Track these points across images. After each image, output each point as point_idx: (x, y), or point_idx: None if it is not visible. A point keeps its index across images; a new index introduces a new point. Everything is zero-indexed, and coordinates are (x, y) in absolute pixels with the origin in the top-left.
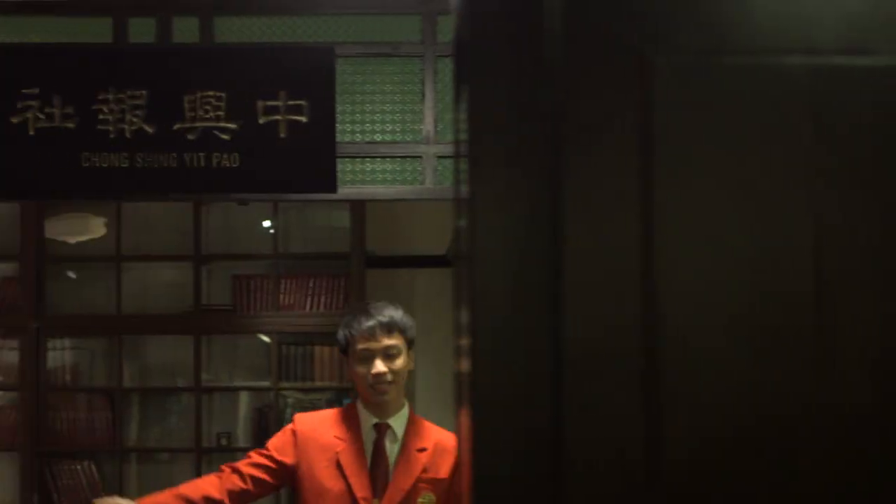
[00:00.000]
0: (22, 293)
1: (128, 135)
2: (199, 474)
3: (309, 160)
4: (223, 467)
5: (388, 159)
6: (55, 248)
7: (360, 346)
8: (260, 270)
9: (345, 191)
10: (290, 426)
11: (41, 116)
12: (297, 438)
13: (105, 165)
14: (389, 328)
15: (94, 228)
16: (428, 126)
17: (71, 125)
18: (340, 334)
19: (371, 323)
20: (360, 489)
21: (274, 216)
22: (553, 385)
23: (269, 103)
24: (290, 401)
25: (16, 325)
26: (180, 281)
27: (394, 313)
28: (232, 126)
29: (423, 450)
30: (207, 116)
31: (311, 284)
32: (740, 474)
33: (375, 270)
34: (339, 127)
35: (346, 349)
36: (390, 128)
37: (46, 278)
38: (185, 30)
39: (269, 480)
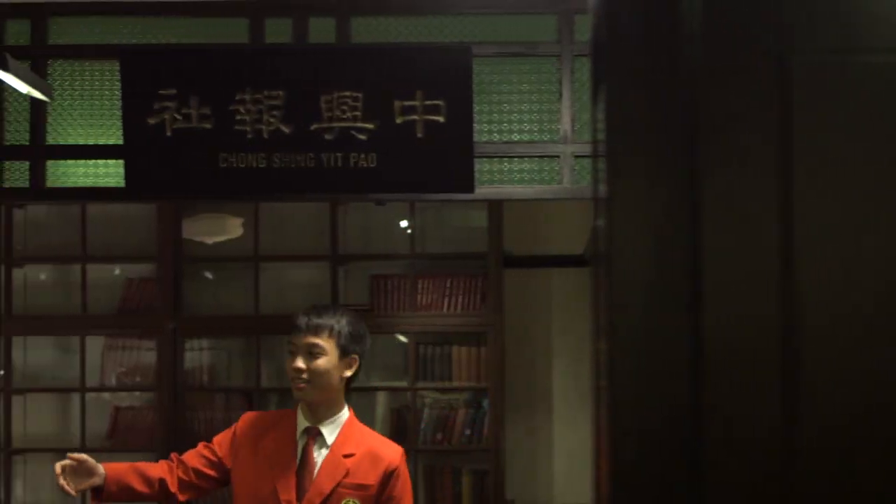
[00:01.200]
0: (159, 294)
1: (265, 135)
2: None
3: (446, 160)
4: (172, 456)
5: (525, 159)
6: (192, 249)
7: (291, 339)
8: (397, 270)
9: (482, 191)
10: (235, 424)
11: (178, 117)
12: (235, 438)
13: (242, 166)
14: (318, 328)
15: (231, 229)
16: (565, 125)
17: (208, 126)
18: None
19: (302, 320)
20: (284, 492)
21: (411, 216)
22: (691, 384)
23: (406, 103)
24: (427, 401)
25: (153, 325)
26: (317, 281)
27: (332, 317)
28: (369, 126)
29: (349, 455)
30: (345, 116)
31: (448, 284)
32: (872, 461)
33: (512, 270)
34: (476, 127)
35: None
36: (527, 127)
37: (184, 279)
38: (322, 30)
39: (212, 474)
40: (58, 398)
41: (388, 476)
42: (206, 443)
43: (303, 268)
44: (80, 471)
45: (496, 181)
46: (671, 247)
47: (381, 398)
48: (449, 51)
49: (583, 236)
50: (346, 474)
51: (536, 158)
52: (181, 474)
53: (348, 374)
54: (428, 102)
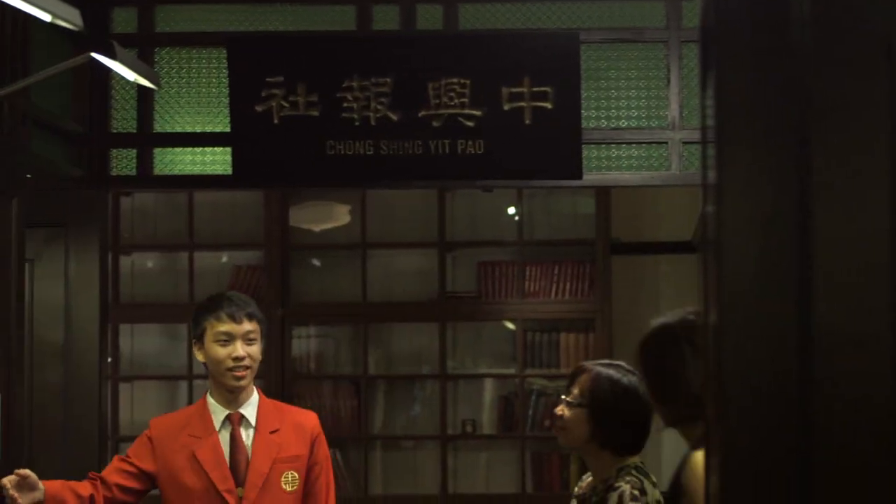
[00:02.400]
0: (267, 281)
1: (372, 122)
2: (444, 462)
3: (554, 147)
4: (91, 475)
5: (633, 145)
6: (300, 237)
7: (222, 328)
8: (505, 257)
9: (590, 177)
10: (145, 432)
11: (286, 105)
12: (153, 444)
13: (350, 153)
14: (251, 315)
15: (338, 216)
16: (673, 112)
17: (315, 113)
18: (196, 319)
19: (233, 307)
20: (222, 482)
21: (519, 203)
22: (800, 371)
23: (514, 90)
24: (535, 388)
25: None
26: (425, 268)
27: (251, 302)
28: (476, 113)
29: (275, 431)
30: (452, 103)
31: (556, 271)
32: None
33: (620, 257)
34: (583, 113)
35: (201, 334)
36: (635, 114)
37: (291, 266)
38: (429, 17)
39: (135, 486)
40: (165, 386)
41: (314, 442)
42: (120, 456)
43: (410, 255)
44: (23, 485)
45: (604, 168)
46: (780, 233)
47: (489, 385)
48: (556, 37)
49: (691, 222)
50: (279, 449)
51: (644, 145)
52: (105, 492)
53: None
54: (535, 89)
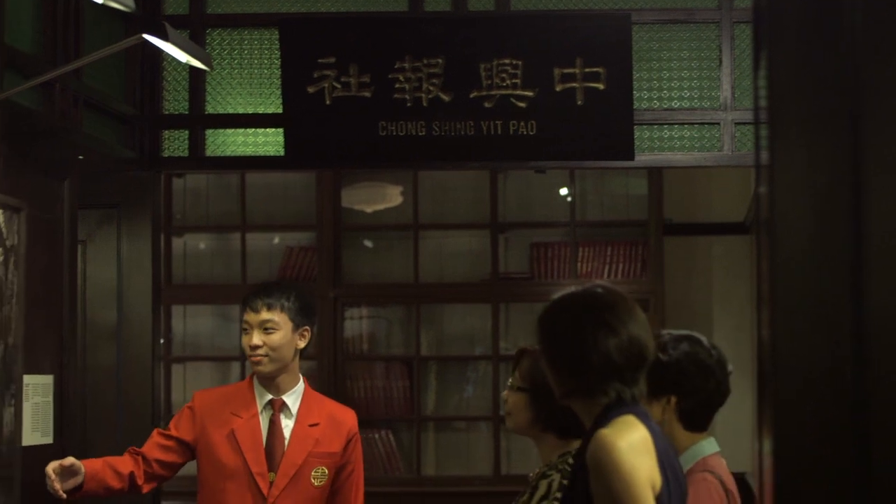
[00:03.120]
0: (319, 262)
1: (424, 103)
2: (497, 443)
3: (606, 128)
4: (131, 450)
5: (685, 126)
6: (352, 217)
7: (245, 317)
8: (557, 238)
9: (642, 158)
10: (188, 404)
11: (338, 86)
12: (195, 415)
13: (402, 134)
14: (270, 305)
15: (390, 197)
16: (725, 92)
17: (367, 94)
18: None
19: (255, 297)
20: (256, 464)
21: (571, 184)
22: (855, 351)
23: (566, 70)
24: None
25: (313, 294)
26: (477, 249)
27: (282, 293)
28: (528, 94)
29: (315, 424)
30: (504, 84)
31: (608, 252)
32: None
33: (673, 238)
34: (635, 94)
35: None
36: (687, 94)
37: (343, 247)
38: None
39: (174, 459)
40: (217, 367)
41: (349, 441)
42: (160, 430)
43: (462, 236)
44: (66, 472)
45: (656, 148)
46: (833, 213)
47: None
48: (608, 18)
49: (744, 203)
50: (316, 443)
51: (696, 125)
52: (145, 467)
53: (302, 345)
54: (587, 70)
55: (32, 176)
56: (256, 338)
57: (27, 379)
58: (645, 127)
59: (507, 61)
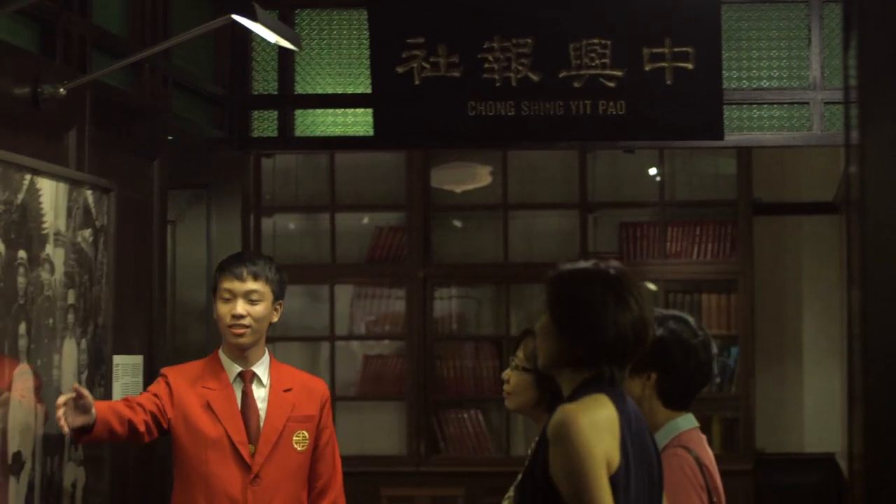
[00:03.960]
0: (408, 242)
1: (513, 83)
2: None
3: (695, 107)
4: (129, 398)
5: (774, 106)
6: (441, 197)
7: (225, 285)
8: (646, 218)
9: (731, 137)
10: (161, 378)
11: (426, 66)
12: (170, 388)
13: (491, 114)
14: (256, 274)
15: (479, 177)
16: (814, 72)
17: (456, 74)
18: (214, 275)
19: (239, 265)
20: (236, 433)
21: (660, 163)
22: None
23: (655, 50)
24: None
25: (402, 274)
26: (567, 229)
27: (264, 263)
28: (617, 73)
29: (288, 390)
30: (593, 64)
31: (697, 232)
32: None
33: (762, 217)
34: (724, 74)
35: (214, 289)
36: (776, 74)
37: (432, 227)
38: None
39: (160, 422)
40: (307, 347)
41: (323, 406)
42: (150, 392)
43: (552, 216)
44: (77, 406)
45: (745, 128)
46: None
47: None
48: None
49: (833, 183)
50: (293, 408)
51: (786, 105)
52: (143, 416)
53: (275, 319)
54: (677, 49)
55: (122, 156)
56: (241, 307)
57: (117, 359)
58: (734, 106)
59: (596, 41)
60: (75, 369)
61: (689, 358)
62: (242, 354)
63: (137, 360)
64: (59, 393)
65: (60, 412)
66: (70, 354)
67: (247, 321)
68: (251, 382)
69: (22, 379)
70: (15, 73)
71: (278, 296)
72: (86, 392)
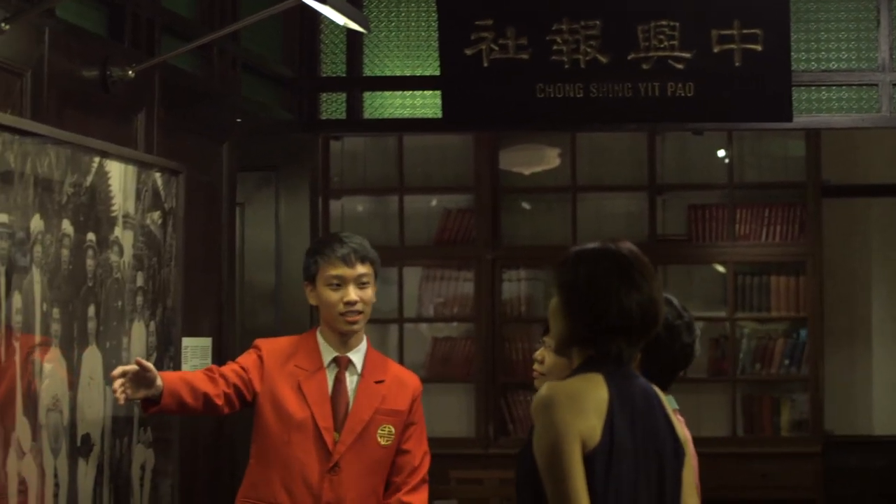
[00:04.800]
0: (477, 224)
1: (582, 65)
2: None
3: (764, 89)
4: (213, 368)
5: (843, 87)
6: (510, 180)
7: (333, 272)
8: (715, 200)
9: (800, 119)
10: (254, 350)
11: (495, 48)
12: (262, 363)
13: (559, 96)
14: (364, 258)
15: (548, 159)
16: (883, 53)
17: (525, 56)
18: (308, 261)
19: (346, 250)
20: (323, 419)
21: (729, 145)
22: None
23: (724, 32)
24: (745, 331)
25: (471, 256)
26: (635, 211)
27: (364, 243)
28: (686, 55)
29: (380, 381)
30: (661, 46)
31: (766, 214)
32: None
33: (831, 200)
34: (793, 55)
35: (313, 275)
36: (845, 55)
37: (501, 209)
38: None
39: (244, 395)
40: (376, 329)
41: (414, 401)
42: (237, 363)
43: (620, 198)
44: (140, 379)
45: (814, 110)
46: None
47: (699, 328)
48: None
49: None
50: (382, 400)
51: (854, 87)
52: (224, 388)
53: (375, 298)
54: (745, 31)
55: (191, 139)
56: (353, 293)
57: (186, 342)
58: (803, 88)
59: (664, 23)
60: (144, 352)
61: (673, 339)
62: (342, 340)
63: (206, 342)
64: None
65: (118, 384)
66: (139, 337)
67: (359, 307)
68: (345, 369)
69: (90, 361)
70: (84, 57)
71: (379, 276)
72: (148, 364)
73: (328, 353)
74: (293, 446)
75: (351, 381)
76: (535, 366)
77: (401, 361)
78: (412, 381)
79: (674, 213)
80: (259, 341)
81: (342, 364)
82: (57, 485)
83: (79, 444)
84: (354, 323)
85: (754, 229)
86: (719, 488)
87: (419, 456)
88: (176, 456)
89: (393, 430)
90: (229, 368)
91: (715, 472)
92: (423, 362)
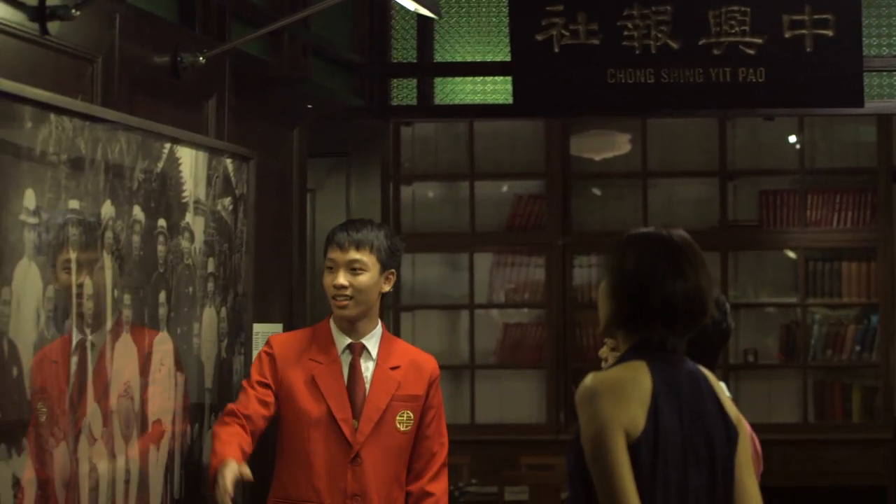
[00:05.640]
0: (548, 210)
1: (653, 50)
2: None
3: (835, 74)
4: (235, 410)
5: None
6: (580, 165)
7: (329, 255)
8: (786, 186)
9: (871, 105)
10: (264, 350)
11: (566, 33)
12: (274, 361)
13: (630, 81)
14: (359, 243)
15: (619, 145)
16: None
17: (596, 42)
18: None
19: (342, 235)
20: (339, 410)
21: (800, 131)
22: None
23: (795, 17)
24: (817, 317)
25: (542, 242)
26: (706, 197)
27: (370, 232)
28: (757, 41)
29: (396, 367)
30: (733, 31)
31: (837, 199)
32: None
33: None
34: (864, 41)
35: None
36: None
37: (572, 195)
38: None
39: (271, 410)
40: (446, 315)
41: (431, 385)
42: (249, 382)
43: (691, 183)
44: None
45: (885, 95)
46: None
47: (770, 314)
48: None
49: None
50: (398, 386)
51: None
52: (251, 428)
53: (386, 288)
54: (817, 16)
55: (261, 125)
56: (342, 277)
57: (257, 327)
58: (874, 73)
59: (735, 8)
60: (215, 338)
61: None
62: (352, 326)
63: (277, 328)
64: (199, 362)
65: (227, 499)
66: (210, 323)
67: (349, 292)
68: (360, 356)
69: (162, 347)
70: (155, 43)
71: (388, 265)
72: (247, 473)
73: (342, 341)
74: (313, 442)
75: (366, 367)
76: (602, 364)
77: (472, 347)
78: (429, 364)
79: (744, 199)
80: (272, 338)
81: (356, 351)
82: (128, 471)
83: (150, 430)
84: (343, 307)
85: (825, 215)
86: (790, 475)
87: (439, 441)
88: None
89: (412, 415)
90: (248, 400)
91: (785, 459)
92: (494, 348)
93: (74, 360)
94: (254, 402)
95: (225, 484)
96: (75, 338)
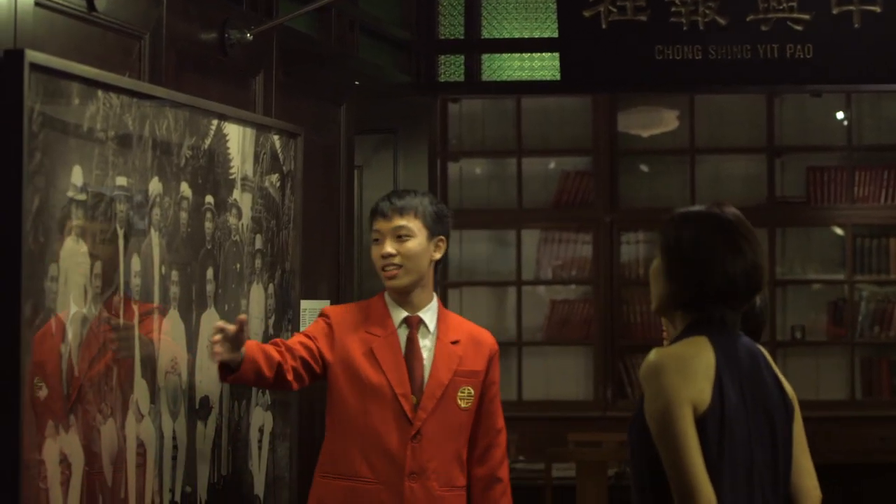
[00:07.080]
0: (595, 187)
1: (701, 27)
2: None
3: (883, 50)
4: (278, 341)
5: None
6: (628, 142)
7: (375, 226)
8: (834, 162)
9: None
10: (322, 319)
11: (613, 10)
12: (332, 331)
13: (678, 58)
14: (402, 210)
15: (666, 121)
16: None
17: (643, 18)
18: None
19: (385, 204)
20: (399, 385)
21: (847, 107)
22: None
23: None
24: (864, 294)
25: (590, 218)
26: (753, 173)
27: (414, 198)
28: (805, 17)
29: (456, 342)
30: (780, 7)
31: (885, 176)
32: None
33: None
34: None
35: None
36: None
37: (619, 172)
38: None
39: (314, 369)
40: (493, 291)
41: (490, 360)
42: (304, 333)
43: (738, 160)
44: (233, 340)
45: None
46: None
47: (818, 290)
48: None
49: None
50: (460, 362)
51: None
52: (292, 362)
53: (437, 256)
54: None
55: (309, 101)
56: (389, 246)
57: (304, 304)
58: None
59: None
60: (262, 314)
61: None
62: (406, 298)
63: (325, 305)
64: (247, 338)
65: (218, 337)
66: (257, 299)
67: (397, 260)
68: (417, 329)
69: (209, 324)
70: (202, 19)
71: (436, 231)
72: (246, 325)
73: (398, 314)
74: (371, 416)
75: (424, 341)
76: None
77: (519, 324)
78: (488, 339)
79: (792, 176)
80: (327, 308)
81: (413, 324)
82: (175, 447)
83: (197, 406)
84: (393, 277)
85: (873, 191)
86: (837, 451)
87: (501, 417)
88: (294, 419)
89: (472, 391)
90: (296, 341)
91: (833, 436)
92: (542, 325)
93: (122, 336)
94: (299, 345)
95: (216, 325)
96: (122, 315)
